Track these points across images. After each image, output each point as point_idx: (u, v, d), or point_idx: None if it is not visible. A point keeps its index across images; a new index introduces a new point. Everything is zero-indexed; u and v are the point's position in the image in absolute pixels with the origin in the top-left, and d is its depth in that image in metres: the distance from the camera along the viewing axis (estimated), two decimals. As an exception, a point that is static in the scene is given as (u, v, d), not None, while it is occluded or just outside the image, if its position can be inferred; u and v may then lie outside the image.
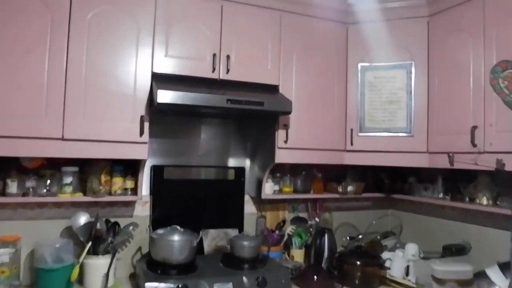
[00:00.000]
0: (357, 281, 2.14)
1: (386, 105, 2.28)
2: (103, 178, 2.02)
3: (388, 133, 2.28)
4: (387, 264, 2.21)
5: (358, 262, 2.15)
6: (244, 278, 1.95)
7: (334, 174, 2.63)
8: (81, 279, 2.03)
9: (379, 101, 2.30)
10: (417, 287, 2.05)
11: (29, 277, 2.00)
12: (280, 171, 2.48)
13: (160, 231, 2.00)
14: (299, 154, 2.26)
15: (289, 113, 2.08)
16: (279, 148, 2.21)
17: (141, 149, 1.94)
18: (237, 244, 2.11)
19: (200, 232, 2.03)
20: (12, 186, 1.92)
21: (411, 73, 2.24)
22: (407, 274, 2.14)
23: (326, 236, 2.38)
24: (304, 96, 2.27)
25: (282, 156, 2.22)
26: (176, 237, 1.95)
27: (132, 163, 2.11)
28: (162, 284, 1.81)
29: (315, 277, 2.10)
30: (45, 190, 1.99)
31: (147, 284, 1.78)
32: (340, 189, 2.53)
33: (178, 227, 2.00)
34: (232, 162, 2.49)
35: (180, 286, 1.82)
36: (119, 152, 1.91)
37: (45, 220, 2.08)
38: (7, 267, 1.79)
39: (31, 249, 2.00)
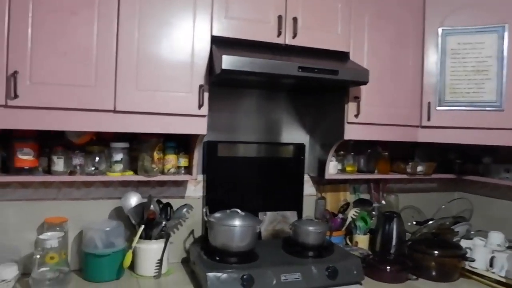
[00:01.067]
0: (434, 273, 1.91)
1: (471, 75, 1.99)
2: (156, 155, 1.82)
3: (473, 107, 2.00)
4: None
5: (436, 252, 1.92)
6: (313, 268, 1.74)
7: (400, 153, 2.38)
8: (132, 265, 1.87)
9: (462, 70, 2.01)
10: (508, 281, 1.81)
11: (76, 262, 1.85)
12: (344, 149, 2.24)
13: (218, 214, 1.80)
14: (371, 130, 2.01)
15: (365, 83, 1.82)
16: (349, 123, 1.97)
17: (200, 123, 1.73)
18: (301, 230, 1.90)
19: (263, 216, 1.82)
20: (58, 164, 1.74)
21: (503, 38, 1.94)
22: (490, 265, 1.90)
23: (394, 221, 2.15)
24: (376, 65, 2.00)
25: (352, 132, 1.98)
26: (237, 222, 1.75)
27: (185, 139, 1.90)
28: (225, 274, 1.62)
29: (388, 267, 1.88)
30: (93, 168, 1.80)
31: (209, 274, 1.60)
32: (408, 169, 2.28)
33: (239, 211, 1.80)
34: (290, 139, 2.26)
35: (244, 276, 1.63)
36: (175, 126, 1.70)
37: (92, 200, 1.91)
38: (56, 253, 1.63)
39: (78, 232, 1.85)
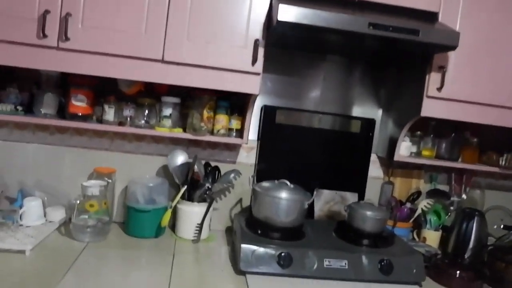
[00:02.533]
0: (517, 288, 1.58)
1: None
2: (206, 113, 1.71)
3: None
4: None
5: (524, 264, 1.58)
6: (364, 258, 1.52)
7: (493, 142, 1.99)
8: (173, 226, 1.81)
9: None
10: None
11: (121, 215, 1.83)
12: (422, 129, 1.94)
13: (265, 184, 1.65)
14: (457, 108, 1.68)
15: (454, 48, 1.50)
16: (429, 97, 1.66)
17: (252, 81, 1.56)
18: (357, 213, 1.67)
19: (314, 191, 1.63)
20: (109, 113, 1.71)
21: None
22: None
23: (475, 220, 1.81)
24: (471, 31, 1.65)
25: (431, 108, 1.67)
26: (284, 194, 1.58)
27: (240, 100, 1.76)
28: (262, 249, 1.47)
29: (458, 272, 1.58)
30: (143, 121, 1.74)
31: (244, 246, 1.46)
32: (502, 162, 1.90)
33: (288, 182, 1.63)
34: (358, 112, 2.01)
35: (282, 254, 1.47)
36: (225, 83, 1.56)
37: (142, 155, 1.87)
38: (96, 201, 1.61)
39: (125, 185, 1.81)
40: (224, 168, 1.86)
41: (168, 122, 1.73)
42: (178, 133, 1.73)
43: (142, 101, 1.74)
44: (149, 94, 1.76)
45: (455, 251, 1.82)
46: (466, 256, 1.79)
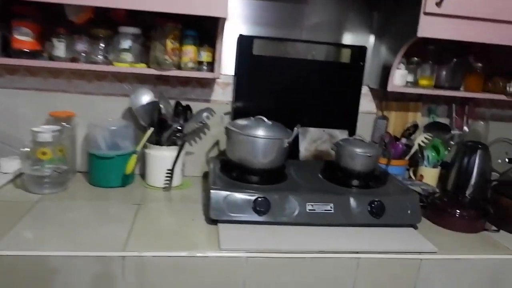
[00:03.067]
0: (524, 227, 1.42)
1: None
2: (170, 44, 1.48)
3: None
4: None
5: (532, 200, 1.41)
6: (352, 200, 1.35)
7: (500, 67, 1.77)
8: (143, 173, 1.64)
9: None
10: None
11: (85, 163, 1.65)
12: (419, 55, 1.71)
13: (239, 121, 1.45)
14: (458, 26, 1.44)
15: None
16: (427, 14, 1.42)
17: (220, 2, 1.32)
18: (346, 151, 1.49)
19: (295, 128, 1.43)
20: (60, 48, 1.48)
21: None
22: None
23: (478, 154, 1.63)
24: None
25: (429, 27, 1.43)
26: (260, 132, 1.38)
27: (210, 28, 1.52)
28: (235, 194, 1.30)
29: (458, 211, 1.42)
30: (100, 56, 1.52)
31: (214, 192, 1.29)
32: (510, 88, 1.69)
33: (265, 119, 1.43)
34: (348, 40, 1.77)
35: (259, 199, 1.30)
36: (187, 6, 1.31)
37: (105, 96, 1.66)
38: (49, 148, 1.42)
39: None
40: (197, 107, 1.66)
41: (128, 57, 1.50)
42: (141, 68, 1.51)
43: (96, 33, 1.50)
44: (105, 25, 1.52)
45: (456, 188, 1.67)
46: (467, 193, 1.63)
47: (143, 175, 1.65)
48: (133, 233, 1.20)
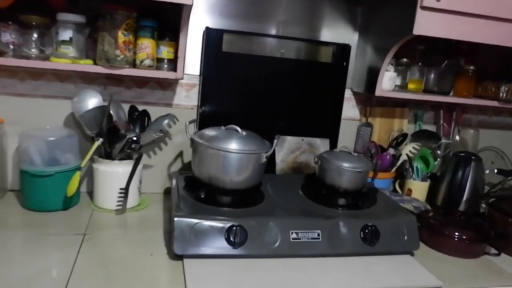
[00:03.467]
0: (526, 247, 1.28)
1: None
2: (121, 36, 1.21)
3: None
4: None
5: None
6: (342, 225, 1.15)
7: (491, 70, 1.63)
8: (91, 193, 1.36)
9: None
10: None
11: (18, 180, 1.35)
12: (409, 56, 1.53)
13: (208, 132, 1.21)
14: (460, 23, 1.27)
15: None
16: (424, 8, 1.23)
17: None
18: (331, 165, 1.28)
19: (275, 140, 1.21)
20: (-21, 38, 1.18)
21: None
22: None
23: (472, 166, 1.48)
24: None
25: (426, 24, 1.25)
26: (233, 145, 1.15)
27: (171, 19, 1.27)
28: (204, 222, 1.06)
29: (456, 233, 1.25)
30: (34, 50, 1.23)
31: (177, 221, 1.04)
32: (502, 95, 1.54)
33: (238, 129, 1.20)
34: (329, 37, 1.56)
35: (233, 227, 1.06)
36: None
37: (42, 99, 1.37)
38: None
39: (20, 140, 1.32)
40: (156, 113, 1.40)
41: (69, 51, 1.22)
42: (86, 65, 1.24)
43: (28, 20, 1.21)
44: (40, 11, 1.23)
45: (448, 204, 1.51)
46: (460, 210, 1.48)
47: (91, 194, 1.38)
48: (72, 280, 0.93)
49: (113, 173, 1.29)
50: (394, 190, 1.64)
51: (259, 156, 1.17)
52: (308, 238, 1.11)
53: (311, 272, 1.04)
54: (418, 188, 1.56)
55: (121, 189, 1.28)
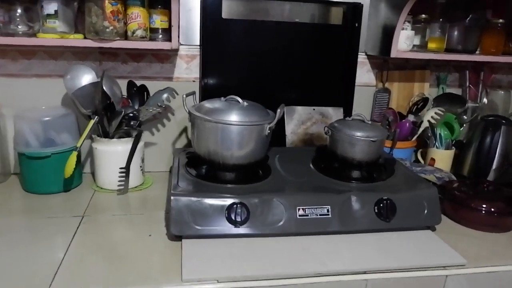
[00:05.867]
0: None
1: None
2: (109, 6, 1.13)
3: None
4: None
5: None
6: (354, 200, 1.05)
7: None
8: (94, 173, 1.32)
9: None
10: None
11: (17, 163, 1.32)
12: (428, 12, 1.39)
13: (206, 104, 1.12)
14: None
15: None
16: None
17: None
18: (343, 135, 1.18)
19: (279, 109, 1.11)
20: (-37, 16, 1.13)
21: None
22: None
23: (503, 131, 1.34)
24: None
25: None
26: (233, 117, 1.06)
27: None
28: (204, 200, 0.99)
29: (484, 206, 1.13)
30: (20, 27, 1.17)
31: (174, 199, 0.97)
32: (537, 49, 1.39)
33: (239, 99, 1.11)
34: (340, -4, 1.43)
35: (234, 205, 0.99)
36: None
37: (36, 78, 1.31)
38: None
39: (18, 122, 1.27)
40: (156, 87, 1.33)
41: (55, 25, 1.15)
42: (74, 40, 1.17)
43: (11, -5, 1.15)
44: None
45: (475, 174, 1.38)
46: (489, 180, 1.35)
47: (94, 174, 1.33)
48: (66, 262, 0.89)
49: (112, 152, 1.23)
50: (417, 160, 1.52)
51: (261, 128, 1.08)
52: (317, 215, 1.02)
53: (318, 251, 0.96)
54: (442, 157, 1.44)
55: (121, 168, 1.22)
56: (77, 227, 1.04)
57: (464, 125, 1.51)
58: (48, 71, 1.31)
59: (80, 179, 1.31)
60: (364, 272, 0.91)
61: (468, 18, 1.40)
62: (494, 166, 1.35)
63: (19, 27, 1.17)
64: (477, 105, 1.53)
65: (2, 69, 1.29)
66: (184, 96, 1.15)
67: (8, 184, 1.29)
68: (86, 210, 1.14)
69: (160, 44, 1.20)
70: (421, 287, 0.94)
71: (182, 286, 0.84)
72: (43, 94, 1.31)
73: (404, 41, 1.32)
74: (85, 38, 1.18)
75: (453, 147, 1.45)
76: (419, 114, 1.46)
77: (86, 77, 1.22)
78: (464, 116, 1.55)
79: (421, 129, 1.45)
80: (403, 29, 1.30)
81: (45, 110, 1.24)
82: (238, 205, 0.99)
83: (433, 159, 1.45)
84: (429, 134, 1.45)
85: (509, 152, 1.36)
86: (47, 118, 1.20)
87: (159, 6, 1.21)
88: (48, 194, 1.22)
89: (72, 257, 0.91)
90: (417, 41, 1.40)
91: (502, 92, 1.54)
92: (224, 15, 1.33)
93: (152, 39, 1.23)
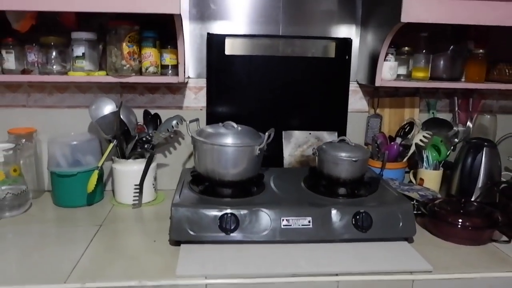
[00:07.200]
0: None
1: None
2: (126, 48, 1.34)
3: None
4: None
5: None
6: (334, 212, 1.18)
7: (503, 52, 1.56)
8: (113, 190, 1.51)
9: None
10: None
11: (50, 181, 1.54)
12: (412, 44, 1.53)
13: (206, 129, 1.30)
14: (449, 6, 1.26)
15: None
16: (410, -5, 1.25)
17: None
18: (328, 156, 1.32)
19: (267, 132, 1.27)
20: (9, 60, 1.38)
21: None
22: None
23: (485, 152, 1.43)
24: None
25: (414, 10, 1.25)
26: (227, 140, 1.23)
27: (172, 28, 1.38)
28: (199, 211, 1.15)
29: (460, 220, 1.23)
30: (56, 67, 1.40)
31: (174, 210, 1.14)
32: (517, 76, 1.49)
33: (234, 124, 1.28)
34: (331, 33, 1.60)
35: (225, 215, 1.14)
36: (135, 4, 1.17)
37: (68, 109, 1.54)
38: (2, 169, 1.30)
39: (51, 146, 1.50)
40: (168, 115, 1.52)
41: (82, 64, 1.38)
42: (98, 77, 1.39)
43: (46, 41, 1.38)
44: (56, 31, 1.40)
45: (460, 192, 1.47)
46: (473, 197, 1.44)
47: (114, 191, 1.52)
48: (83, 260, 1.07)
49: (128, 171, 1.42)
50: (410, 181, 1.62)
51: (252, 149, 1.24)
52: (299, 225, 1.16)
53: (297, 256, 1.09)
54: (430, 177, 1.54)
55: (135, 185, 1.41)
56: (95, 234, 1.22)
57: (454, 147, 1.60)
58: (78, 102, 1.53)
59: (102, 195, 1.50)
60: (336, 274, 1.03)
61: (450, 49, 1.52)
62: (478, 185, 1.44)
63: (54, 67, 1.40)
64: (465, 128, 1.63)
65: (40, 102, 1.52)
66: (188, 122, 1.34)
67: (43, 199, 1.50)
68: (104, 220, 1.32)
69: (169, 78, 1.41)
70: (391, 291, 1.05)
71: (175, 280, 0.99)
72: (72, 122, 1.53)
73: (388, 71, 1.46)
74: (107, 75, 1.40)
75: (441, 168, 1.55)
76: (408, 137, 1.57)
77: (108, 107, 1.43)
78: (456, 139, 1.65)
79: (410, 151, 1.56)
80: (386, 60, 1.44)
81: (74, 135, 1.46)
82: (229, 215, 1.14)
83: (422, 179, 1.55)
84: (418, 156, 1.56)
85: (493, 172, 1.45)
86: (75, 142, 1.41)
87: (169, 46, 1.42)
88: (74, 207, 1.41)
89: (88, 256, 1.09)
90: (403, 70, 1.53)
91: (488, 116, 1.63)
92: (227, 51, 1.52)
93: (163, 74, 1.43)
